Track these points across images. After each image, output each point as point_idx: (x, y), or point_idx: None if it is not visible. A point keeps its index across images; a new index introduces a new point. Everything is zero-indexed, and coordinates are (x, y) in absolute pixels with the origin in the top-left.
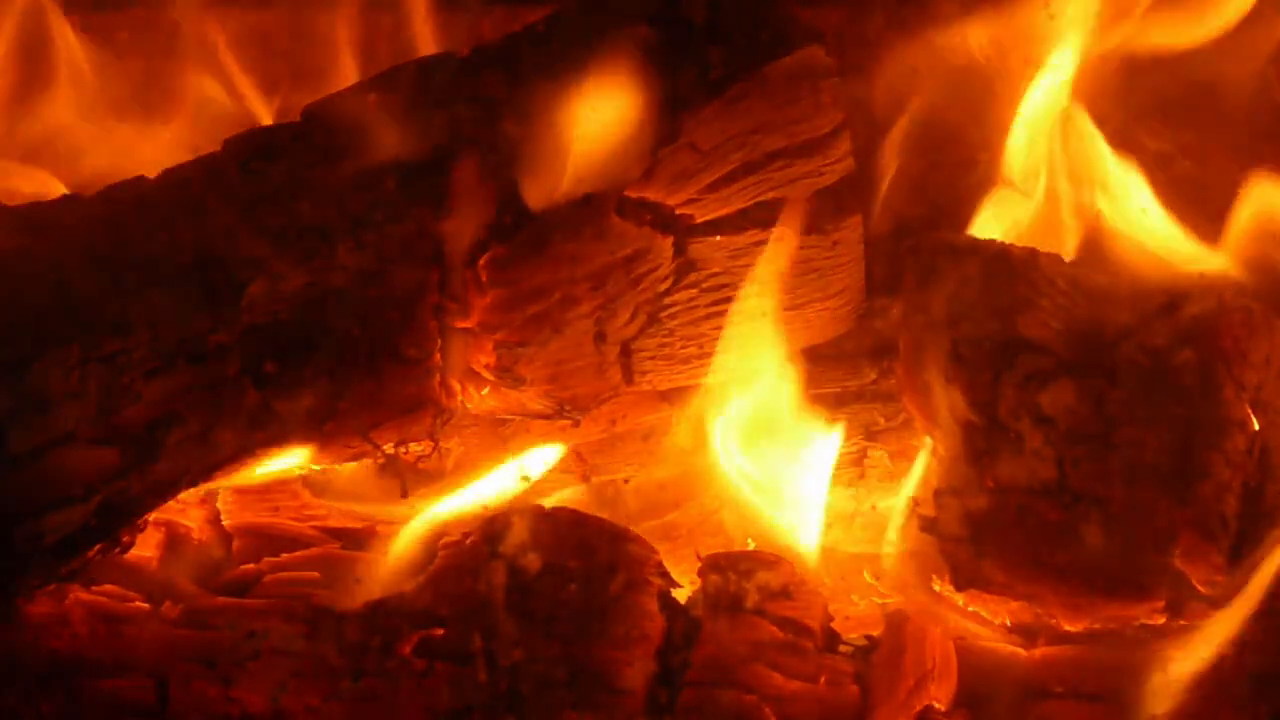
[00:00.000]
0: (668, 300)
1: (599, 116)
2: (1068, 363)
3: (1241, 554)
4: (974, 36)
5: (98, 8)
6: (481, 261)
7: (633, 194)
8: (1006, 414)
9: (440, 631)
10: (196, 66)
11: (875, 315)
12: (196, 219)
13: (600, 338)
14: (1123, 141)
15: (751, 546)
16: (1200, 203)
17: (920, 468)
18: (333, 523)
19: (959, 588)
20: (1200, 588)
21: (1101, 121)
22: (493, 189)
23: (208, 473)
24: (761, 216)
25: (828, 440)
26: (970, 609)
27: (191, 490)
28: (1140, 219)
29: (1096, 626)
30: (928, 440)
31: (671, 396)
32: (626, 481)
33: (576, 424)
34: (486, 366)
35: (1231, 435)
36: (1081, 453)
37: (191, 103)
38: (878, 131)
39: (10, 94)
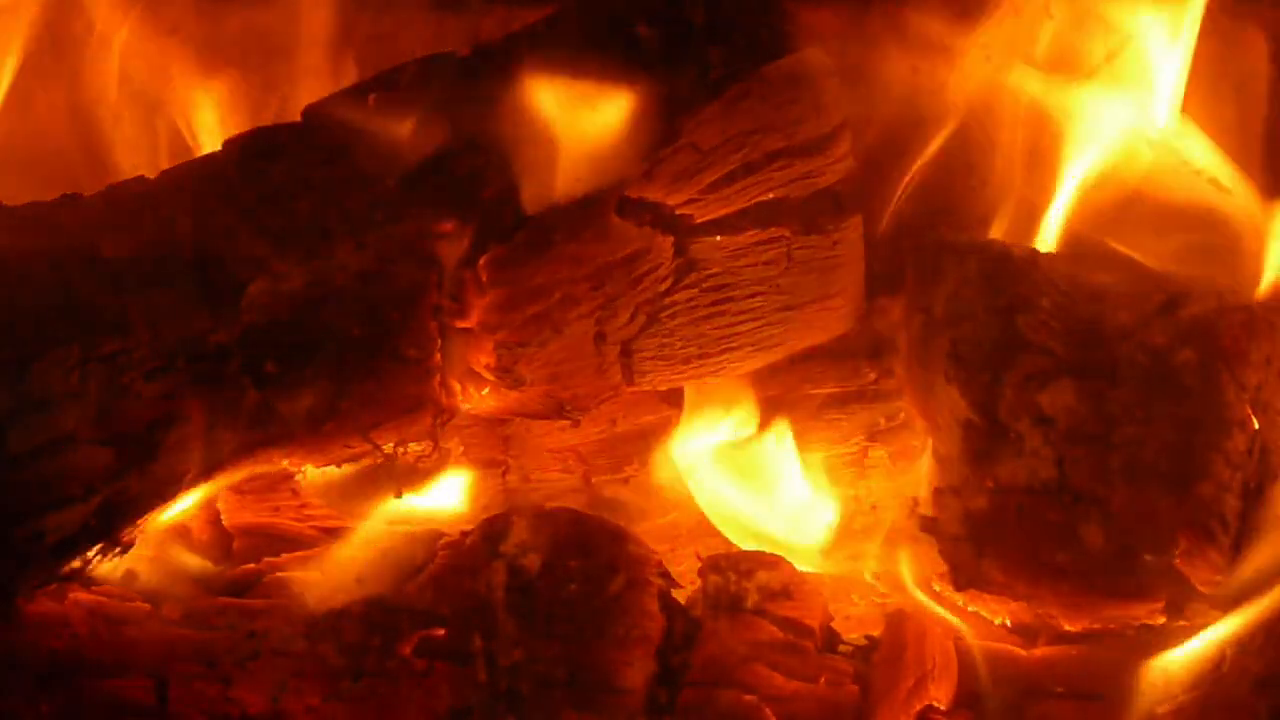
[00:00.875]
0: (668, 300)
1: (598, 117)
2: (1068, 363)
3: (1241, 554)
4: (974, 38)
5: None
6: (481, 261)
7: (633, 194)
8: (1006, 414)
9: (440, 631)
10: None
11: (875, 315)
12: (196, 219)
13: (600, 338)
14: None
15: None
16: None
17: (921, 468)
18: (332, 523)
19: (959, 588)
20: (1200, 588)
21: None
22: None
23: (208, 473)
24: (761, 216)
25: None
26: (970, 609)
27: (192, 490)
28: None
29: (1096, 626)
30: (928, 440)
31: (671, 397)
32: (626, 481)
33: (576, 424)
34: (486, 366)
35: (1231, 435)
36: (1081, 453)
37: None
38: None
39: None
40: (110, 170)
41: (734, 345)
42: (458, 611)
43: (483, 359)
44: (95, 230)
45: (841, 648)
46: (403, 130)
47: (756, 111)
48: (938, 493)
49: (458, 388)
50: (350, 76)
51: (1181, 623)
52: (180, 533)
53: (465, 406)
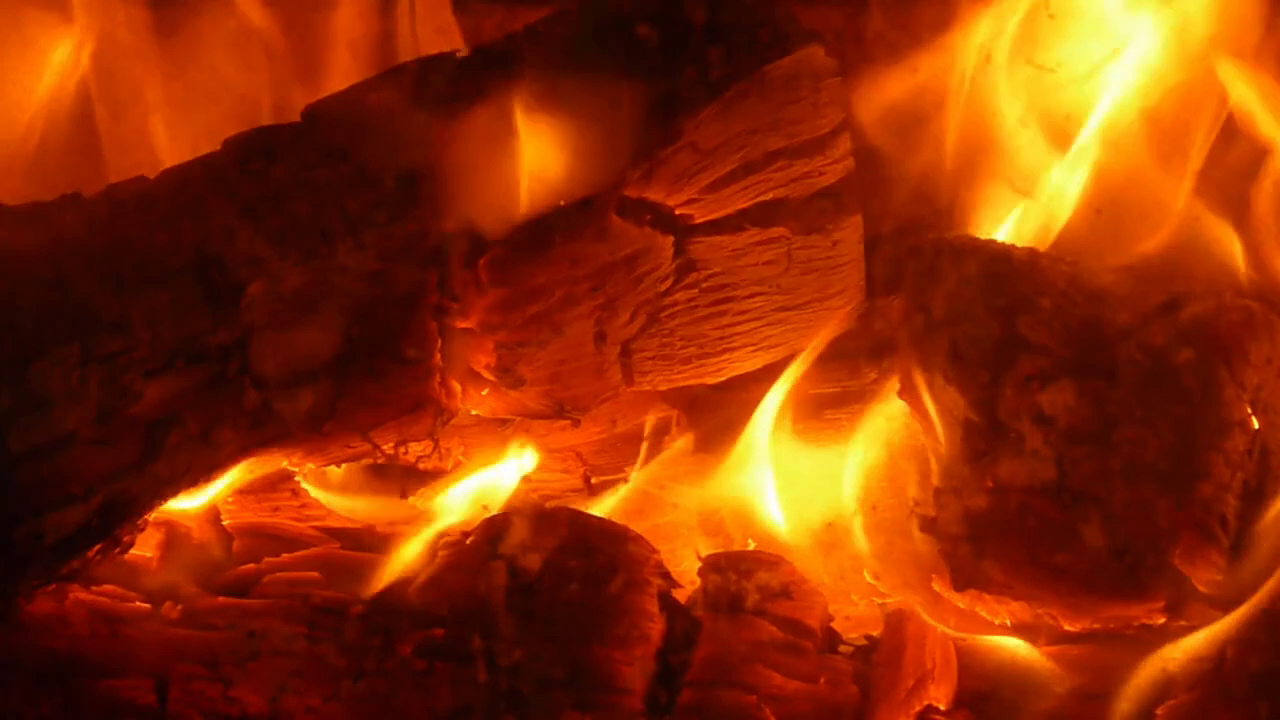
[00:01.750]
0: (668, 300)
1: (599, 117)
2: (1068, 363)
3: (1241, 554)
4: (975, 37)
5: None
6: (481, 261)
7: (633, 194)
8: (1006, 414)
9: (440, 631)
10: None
11: (875, 315)
12: (196, 219)
13: (600, 338)
14: None
15: (752, 547)
16: None
17: (920, 468)
18: (332, 523)
19: (959, 588)
20: (1200, 588)
21: None
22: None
23: (208, 473)
24: (761, 216)
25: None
26: (970, 609)
27: (192, 490)
28: None
29: (1096, 626)
30: (928, 440)
31: (671, 397)
32: (626, 481)
33: (576, 424)
34: (486, 366)
35: (1231, 435)
36: (1081, 453)
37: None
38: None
39: None
40: (110, 170)
41: (734, 345)
42: (458, 612)
43: (483, 359)
44: (95, 230)
45: (841, 648)
46: (403, 130)
47: (756, 111)
48: (938, 493)
49: (458, 388)
50: (350, 76)
51: (1181, 623)
52: (180, 533)
53: (470, 410)
